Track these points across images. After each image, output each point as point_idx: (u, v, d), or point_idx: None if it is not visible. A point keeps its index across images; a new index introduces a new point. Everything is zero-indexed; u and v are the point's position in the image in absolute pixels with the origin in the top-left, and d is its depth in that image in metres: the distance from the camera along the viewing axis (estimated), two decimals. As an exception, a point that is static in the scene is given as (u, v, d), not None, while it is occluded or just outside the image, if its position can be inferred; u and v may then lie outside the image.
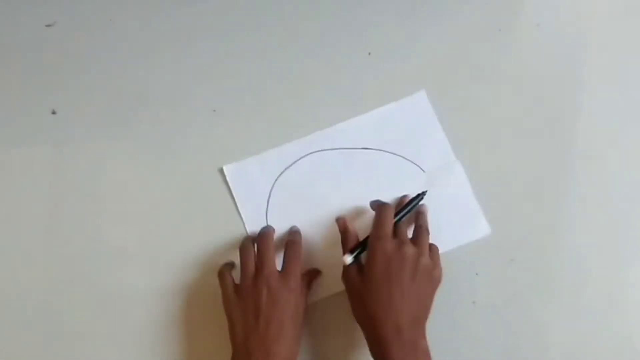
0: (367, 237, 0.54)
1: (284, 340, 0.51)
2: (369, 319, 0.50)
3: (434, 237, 0.56)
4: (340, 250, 0.55)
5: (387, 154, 0.61)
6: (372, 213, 0.56)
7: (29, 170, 0.62)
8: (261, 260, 0.54)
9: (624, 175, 0.61)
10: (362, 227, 0.58)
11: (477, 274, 0.59)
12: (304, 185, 0.61)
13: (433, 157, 0.61)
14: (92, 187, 0.62)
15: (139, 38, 0.66)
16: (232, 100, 0.64)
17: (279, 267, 0.55)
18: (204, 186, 0.61)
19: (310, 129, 0.62)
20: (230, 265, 0.58)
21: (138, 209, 0.61)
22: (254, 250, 0.56)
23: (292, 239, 0.57)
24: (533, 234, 0.60)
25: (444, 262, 0.55)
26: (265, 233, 0.57)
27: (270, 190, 0.61)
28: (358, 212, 0.60)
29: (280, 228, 0.60)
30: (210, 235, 0.60)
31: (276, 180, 0.61)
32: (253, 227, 0.60)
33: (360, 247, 0.54)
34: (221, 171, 0.61)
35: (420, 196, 0.58)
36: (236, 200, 0.61)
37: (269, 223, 0.60)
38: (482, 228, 0.59)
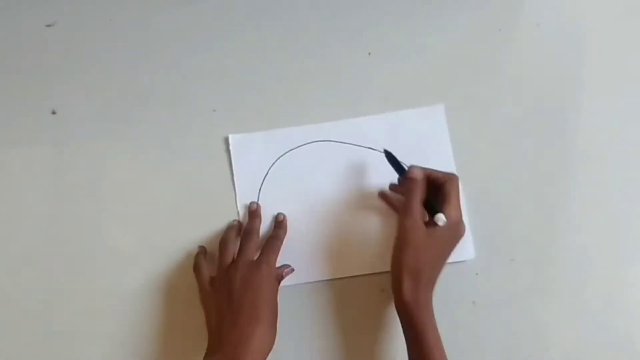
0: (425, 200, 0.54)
1: (258, 323, 0.51)
2: (413, 265, 0.51)
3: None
4: (324, 239, 0.59)
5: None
6: (363, 211, 0.58)
7: (29, 170, 0.62)
8: (239, 253, 0.55)
9: (624, 175, 0.61)
10: (351, 222, 0.59)
11: (477, 274, 0.59)
12: (303, 170, 0.61)
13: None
14: (92, 187, 0.62)
15: (139, 38, 0.66)
16: (232, 100, 0.64)
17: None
18: (204, 185, 0.61)
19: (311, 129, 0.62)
20: (203, 252, 0.59)
21: (138, 209, 0.61)
22: (234, 244, 0.57)
23: (275, 235, 0.58)
24: (533, 234, 0.60)
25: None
26: (250, 229, 0.58)
27: (269, 168, 0.61)
28: (348, 208, 0.60)
29: (269, 206, 0.60)
30: (211, 234, 0.60)
31: (277, 159, 0.61)
32: (244, 201, 0.61)
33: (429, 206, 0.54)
34: (221, 171, 0.62)
35: (387, 154, 0.58)
36: (234, 169, 0.61)
37: (261, 200, 0.60)
38: (467, 251, 0.59)
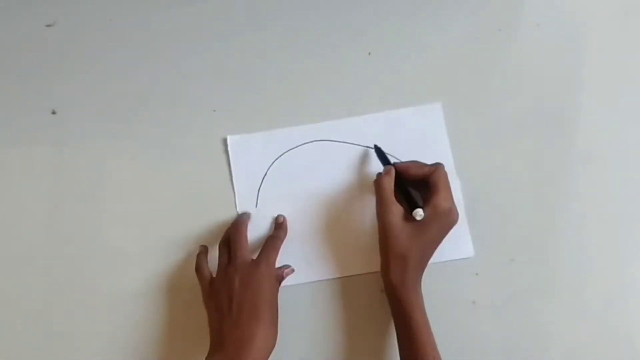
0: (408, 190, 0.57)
1: (259, 323, 0.51)
2: (403, 260, 0.53)
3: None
4: (323, 238, 0.59)
5: (390, 157, 0.60)
6: (363, 210, 0.59)
7: (29, 170, 0.62)
8: (234, 249, 0.55)
9: (624, 175, 0.61)
10: (350, 221, 0.59)
11: (477, 274, 0.59)
12: (302, 170, 0.61)
13: None
14: (92, 187, 0.62)
15: (139, 38, 0.66)
16: (232, 100, 0.64)
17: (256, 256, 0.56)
18: (203, 185, 0.61)
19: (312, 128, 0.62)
20: (204, 252, 0.58)
21: (138, 208, 0.61)
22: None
23: (275, 235, 0.58)
24: (533, 234, 0.60)
25: (443, 264, 0.56)
26: (238, 221, 0.58)
27: (268, 168, 0.61)
28: (347, 207, 0.60)
29: (268, 206, 0.60)
30: (211, 234, 0.60)
31: (277, 159, 0.61)
32: (243, 201, 0.61)
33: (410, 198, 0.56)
34: (221, 171, 0.62)
35: (377, 149, 0.60)
36: (232, 170, 0.61)
37: (260, 200, 0.61)
38: (466, 249, 0.59)
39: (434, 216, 0.53)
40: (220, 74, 0.65)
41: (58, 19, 0.66)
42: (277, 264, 0.56)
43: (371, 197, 0.60)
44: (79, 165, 0.62)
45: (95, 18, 0.66)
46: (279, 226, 0.59)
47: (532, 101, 0.63)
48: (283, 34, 0.66)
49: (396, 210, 0.54)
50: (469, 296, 0.58)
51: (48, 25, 0.66)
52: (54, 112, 0.64)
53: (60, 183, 0.62)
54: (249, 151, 0.62)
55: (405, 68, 0.64)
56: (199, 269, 0.57)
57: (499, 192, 0.61)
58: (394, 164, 0.58)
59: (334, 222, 0.60)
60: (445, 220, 0.54)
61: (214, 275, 0.56)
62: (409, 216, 0.54)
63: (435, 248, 0.55)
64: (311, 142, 0.62)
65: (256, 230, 0.60)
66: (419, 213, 0.53)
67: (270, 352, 0.51)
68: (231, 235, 0.56)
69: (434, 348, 0.51)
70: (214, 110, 0.64)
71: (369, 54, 0.65)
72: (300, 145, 0.62)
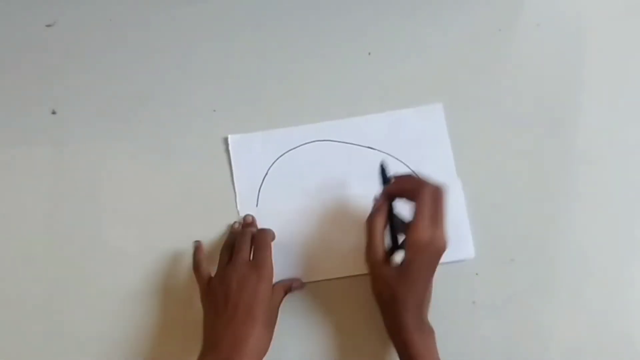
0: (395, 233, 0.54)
1: (254, 324, 0.50)
2: (395, 304, 0.50)
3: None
4: (323, 238, 0.59)
5: (391, 157, 0.61)
6: (363, 211, 0.57)
7: (29, 170, 0.62)
8: (237, 250, 0.55)
9: (624, 175, 0.61)
10: (350, 221, 0.59)
11: (477, 274, 0.59)
12: (302, 170, 0.61)
13: (435, 171, 0.58)
14: (92, 187, 0.62)
15: (139, 38, 0.66)
16: (232, 100, 0.64)
17: None
18: (204, 185, 0.61)
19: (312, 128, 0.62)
20: (200, 248, 0.58)
21: (138, 209, 0.61)
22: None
23: (261, 229, 0.58)
24: (533, 234, 0.60)
25: (443, 264, 0.56)
26: (246, 232, 0.57)
27: (269, 168, 0.61)
28: (347, 207, 0.60)
29: (269, 206, 0.60)
30: (211, 234, 0.60)
31: (277, 159, 0.61)
32: (244, 201, 0.61)
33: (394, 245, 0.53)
34: (221, 171, 0.62)
35: (382, 167, 0.56)
36: (233, 170, 0.61)
37: (260, 200, 0.61)
38: (467, 250, 0.59)
39: (413, 254, 0.49)
40: (220, 74, 0.65)
41: (58, 19, 0.66)
42: (278, 264, 0.56)
43: (371, 197, 0.59)
44: (79, 165, 0.62)
45: (95, 18, 0.66)
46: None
47: (532, 101, 0.63)
48: (283, 34, 0.66)
49: (382, 252, 0.52)
50: (469, 296, 0.58)
51: (48, 25, 0.66)
52: (54, 112, 0.64)
53: (60, 183, 0.62)
54: (250, 151, 0.62)
55: (405, 68, 0.64)
56: (197, 268, 0.57)
57: (499, 192, 0.61)
58: (390, 181, 0.55)
59: (334, 222, 0.60)
60: (428, 254, 0.50)
61: (213, 275, 0.56)
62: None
63: (428, 283, 0.52)
64: (312, 142, 0.62)
65: (256, 230, 0.60)
66: (395, 260, 0.50)
67: (264, 354, 0.51)
68: (237, 237, 0.56)
69: None
70: (214, 110, 0.64)
71: (369, 54, 0.65)
72: (300, 145, 0.62)
